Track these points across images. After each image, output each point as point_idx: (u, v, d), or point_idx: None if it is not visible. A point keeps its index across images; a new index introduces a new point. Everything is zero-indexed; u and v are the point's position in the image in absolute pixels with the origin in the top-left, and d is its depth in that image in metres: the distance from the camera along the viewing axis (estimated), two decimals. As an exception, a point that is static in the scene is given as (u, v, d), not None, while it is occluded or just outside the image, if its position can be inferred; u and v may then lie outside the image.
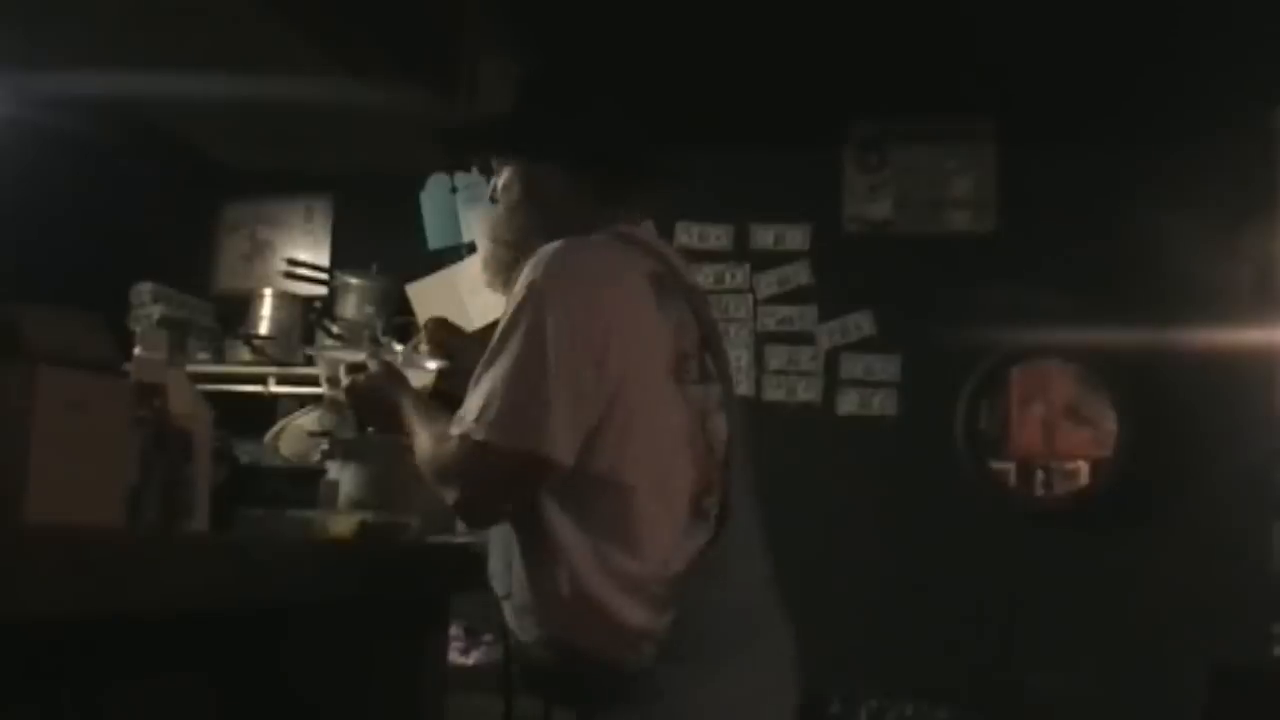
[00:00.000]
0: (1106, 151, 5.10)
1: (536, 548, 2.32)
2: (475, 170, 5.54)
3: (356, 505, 2.90)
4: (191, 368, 4.94)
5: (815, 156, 5.38)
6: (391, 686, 2.88)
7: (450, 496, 2.31)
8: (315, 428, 4.01)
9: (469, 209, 5.60)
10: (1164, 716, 4.66)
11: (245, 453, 2.87)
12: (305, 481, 2.84)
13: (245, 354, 5.46)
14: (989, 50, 5.05)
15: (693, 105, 5.21)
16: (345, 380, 2.68)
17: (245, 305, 5.62)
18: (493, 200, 2.66)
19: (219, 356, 5.51)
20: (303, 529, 2.51)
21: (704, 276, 5.19)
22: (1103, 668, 4.84)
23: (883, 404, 5.26)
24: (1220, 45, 4.86)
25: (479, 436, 2.22)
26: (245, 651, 2.38)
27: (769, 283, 5.36)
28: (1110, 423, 5.02)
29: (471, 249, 5.58)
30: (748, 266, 5.38)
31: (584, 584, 2.26)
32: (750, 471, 2.47)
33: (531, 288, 2.26)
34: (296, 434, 4.03)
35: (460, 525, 3.11)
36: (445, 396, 2.70)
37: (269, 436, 3.86)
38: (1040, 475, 5.12)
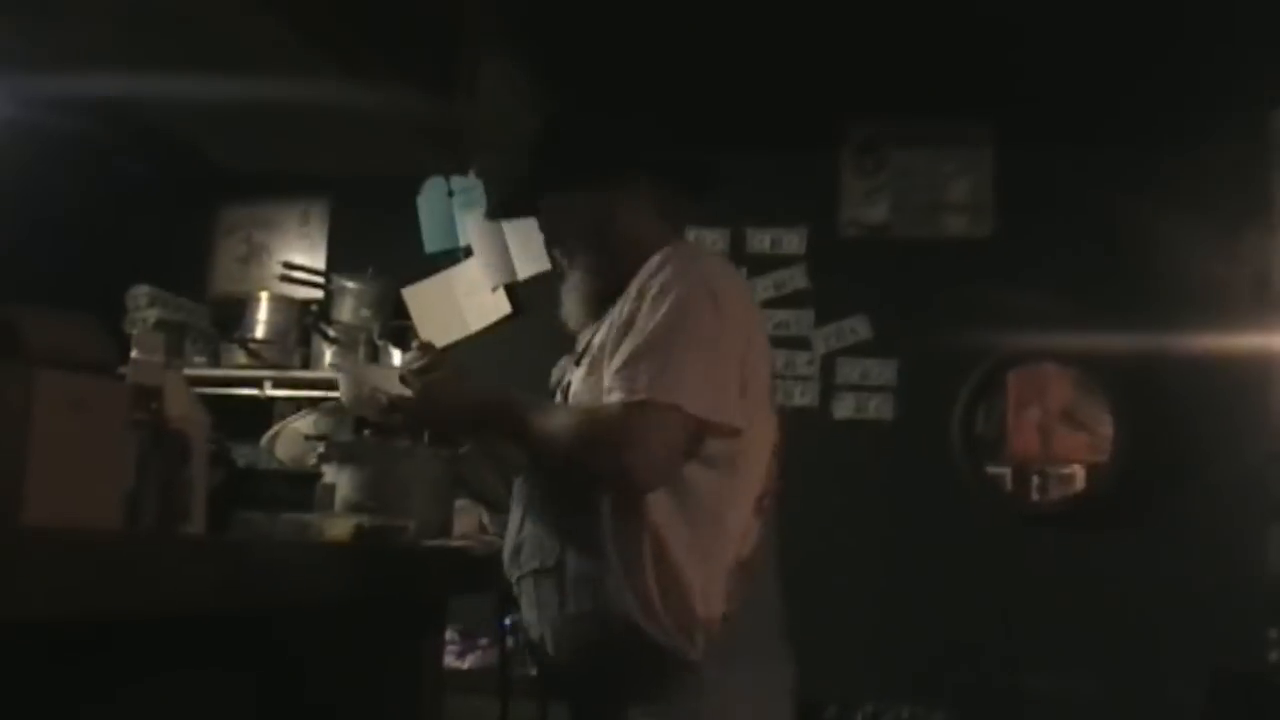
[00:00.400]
0: (1103, 155, 5.11)
1: (626, 518, 2.35)
2: (472, 173, 5.55)
3: (353, 508, 2.90)
4: (188, 371, 4.95)
5: (812, 160, 5.39)
6: (388, 689, 2.88)
7: (619, 460, 2.30)
8: (312, 431, 4.02)
9: (465, 212, 5.60)
10: (1162, 719, 4.66)
11: (242, 456, 2.87)
12: (302, 484, 2.84)
13: (241, 357, 5.46)
14: (986, 53, 5.04)
15: (687, 109, 5.21)
16: (416, 381, 2.64)
17: (241, 309, 5.62)
18: (556, 270, 2.72)
19: (215, 360, 5.51)
20: (299, 532, 2.51)
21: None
22: (1099, 671, 4.84)
23: (879, 408, 5.26)
24: (1218, 48, 4.85)
25: (664, 399, 2.27)
26: (241, 654, 2.38)
27: (765, 287, 5.36)
28: (1106, 426, 5.03)
29: (468, 252, 5.58)
30: (744, 270, 5.38)
31: (670, 560, 2.32)
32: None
33: (695, 273, 2.38)
34: (293, 437, 4.03)
35: (457, 528, 3.11)
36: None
37: (265, 440, 3.86)
38: (1036, 479, 5.12)
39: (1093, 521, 5.01)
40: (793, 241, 5.41)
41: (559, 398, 2.59)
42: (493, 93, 4.62)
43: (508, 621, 3.96)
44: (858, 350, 5.30)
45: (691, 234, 5.35)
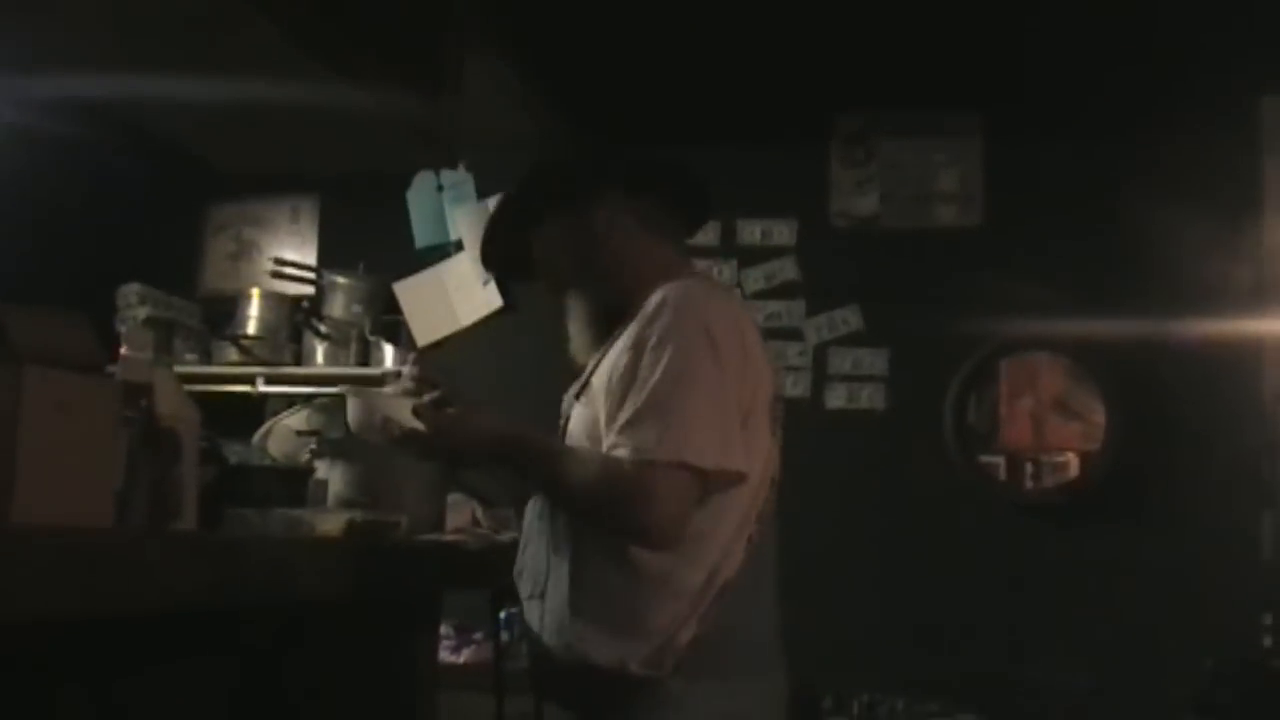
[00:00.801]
0: (1093, 144, 5.11)
1: (601, 550, 2.40)
2: (462, 168, 5.54)
3: (345, 504, 2.90)
4: (179, 368, 4.93)
5: (801, 151, 5.38)
6: (382, 685, 2.88)
7: (636, 520, 2.33)
8: (304, 427, 4.01)
9: (455, 207, 5.59)
10: (1155, 707, 4.67)
11: (233, 453, 2.87)
12: (294, 481, 2.84)
13: (233, 354, 5.46)
14: (975, 43, 5.05)
15: (677, 101, 5.21)
16: (429, 414, 2.64)
17: (232, 306, 5.62)
18: (556, 295, 2.72)
19: (206, 357, 5.50)
20: (291, 528, 2.51)
21: (691, 273, 5.19)
22: (1093, 659, 4.84)
23: (871, 398, 5.26)
24: (1208, 38, 4.86)
25: (671, 457, 2.28)
26: (232, 651, 2.38)
27: (756, 278, 5.36)
28: (1099, 415, 5.03)
29: (458, 247, 5.57)
30: (735, 262, 5.38)
31: (642, 589, 2.35)
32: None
33: (692, 319, 2.37)
34: (285, 433, 4.03)
35: (450, 523, 3.11)
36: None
37: (257, 436, 3.86)
38: (1029, 468, 5.12)
39: (1086, 510, 5.01)
40: (783, 233, 5.40)
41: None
42: (480, 89, 4.62)
43: (502, 616, 3.97)
44: (849, 340, 5.30)
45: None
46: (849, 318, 5.30)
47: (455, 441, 2.58)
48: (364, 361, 5.48)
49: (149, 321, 5.21)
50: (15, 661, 1.78)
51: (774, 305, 5.33)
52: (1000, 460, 5.15)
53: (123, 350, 2.15)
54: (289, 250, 5.86)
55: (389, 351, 5.45)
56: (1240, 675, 4.47)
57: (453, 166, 5.58)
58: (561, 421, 2.63)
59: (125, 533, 1.88)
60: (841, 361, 5.30)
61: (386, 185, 5.61)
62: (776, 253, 5.39)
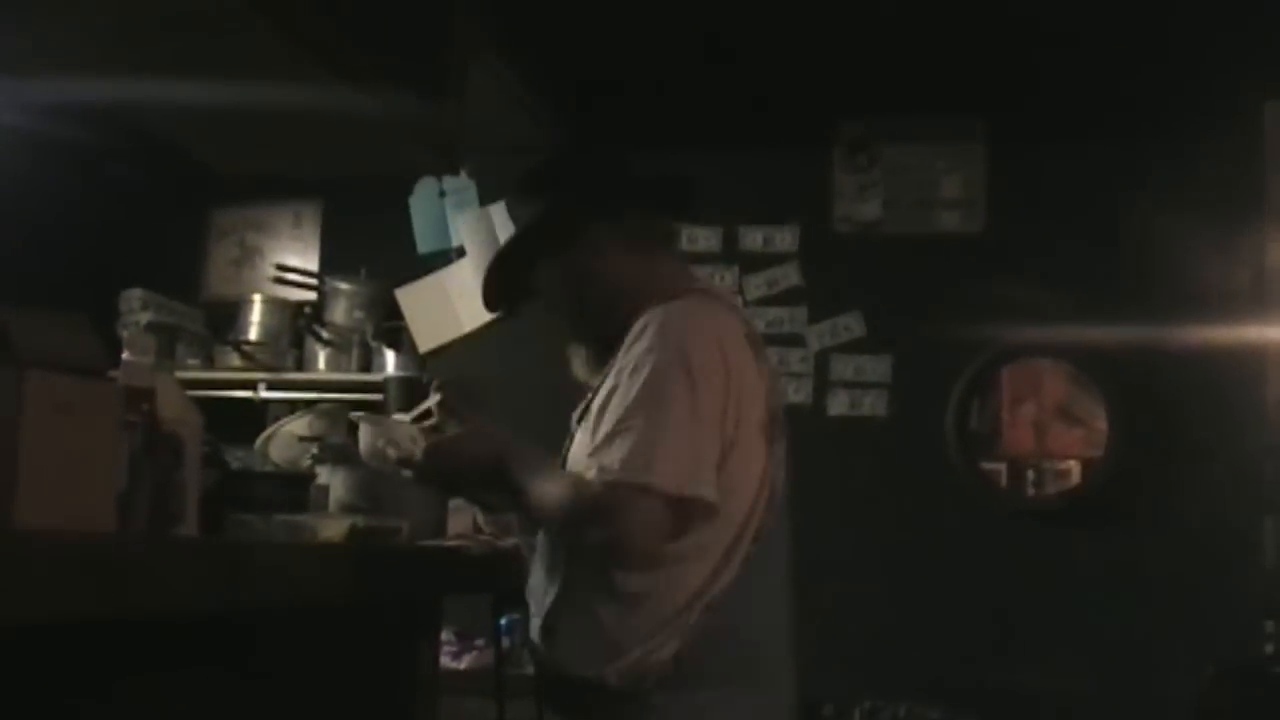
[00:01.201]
0: (1096, 150, 5.11)
1: (587, 572, 2.44)
2: (464, 174, 5.54)
3: (347, 509, 2.90)
4: (181, 374, 4.93)
5: (804, 157, 5.38)
6: (383, 691, 2.87)
7: (598, 538, 2.39)
8: (306, 432, 4.01)
9: (458, 213, 5.60)
10: (1157, 714, 4.66)
11: (236, 458, 2.87)
12: (295, 486, 2.84)
13: (235, 360, 5.46)
14: (977, 50, 5.05)
15: (680, 107, 5.21)
16: (423, 440, 2.67)
17: (235, 311, 5.61)
18: (555, 314, 2.75)
19: (208, 363, 5.50)
20: (293, 533, 2.51)
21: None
22: (1095, 666, 4.84)
23: (873, 405, 5.26)
24: (1211, 43, 4.86)
25: (637, 480, 2.30)
26: (235, 656, 2.38)
27: (758, 284, 5.36)
28: (1101, 422, 5.02)
29: (461, 253, 5.57)
30: (737, 268, 5.38)
31: (623, 609, 2.39)
32: (790, 518, 2.59)
33: (673, 344, 2.39)
34: (287, 439, 4.03)
35: (451, 529, 3.12)
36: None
37: (259, 442, 3.86)
38: (1031, 475, 5.12)
39: (1088, 517, 5.01)
40: (785, 239, 5.40)
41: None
42: (483, 94, 4.62)
43: (503, 622, 3.97)
44: (851, 347, 5.30)
45: (684, 233, 5.35)
46: (851, 324, 5.30)
47: (446, 468, 2.63)
48: (366, 367, 5.48)
49: (151, 327, 5.21)
50: (16, 666, 1.78)
51: (776, 312, 5.33)
52: (1002, 467, 5.14)
53: (125, 355, 2.14)
54: (291, 256, 5.86)
55: (391, 357, 5.45)
56: (1241, 681, 4.47)
57: (455, 172, 5.58)
58: (566, 441, 2.65)
59: (127, 537, 1.88)
60: (844, 368, 5.29)
61: (389, 191, 5.61)
62: (778, 259, 5.39)
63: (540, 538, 2.62)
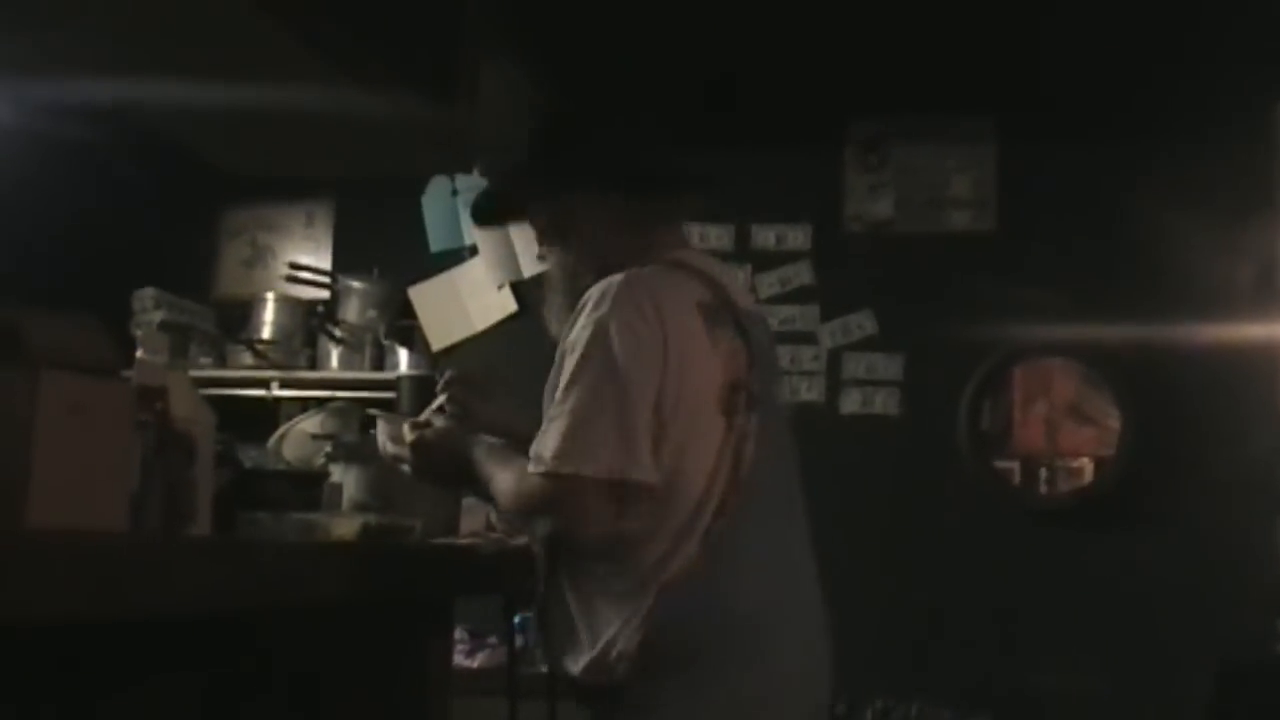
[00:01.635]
0: (1106, 149, 5.10)
1: (559, 562, 2.44)
2: (476, 173, 5.54)
3: (359, 508, 2.90)
4: (194, 373, 4.95)
5: (815, 156, 5.38)
6: (396, 689, 2.88)
7: (543, 529, 2.41)
8: (318, 431, 4.02)
9: (470, 211, 5.60)
10: (1169, 713, 4.66)
11: (248, 457, 2.87)
12: (308, 485, 2.84)
13: (247, 359, 5.47)
14: (988, 49, 5.05)
15: (692, 106, 5.21)
16: (410, 435, 2.68)
17: (247, 310, 5.62)
18: (541, 259, 2.75)
19: (221, 362, 5.51)
20: (306, 532, 2.51)
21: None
22: (1107, 665, 4.83)
23: (885, 403, 5.26)
24: (1220, 42, 4.85)
25: (567, 469, 2.27)
26: (248, 655, 2.38)
27: (770, 283, 5.36)
28: (1113, 420, 5.02)
29: (473, 251, 5.58)
30: (749, 267, 5.38)
31: (587, 597, 2.37)
32: (788, 492, 2.54)
33: (599, 322, 2.33)
34: (299, 438, 4.04)
35: (464, 527, 3.13)
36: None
37: (273, 440, 3.87)
38: (1044, 473, 5.12)
39: (1100, 515, 5.01)
40: (797, 238, 5.40)
41: None
42: (494, 93, 4.62)
43: (516, 621, 3.97)
44: (864, 345, 5.30)
45: (696, 230, 5.35)
46: (863, 323, 5.30)
47: (428, 465, 2.66)
48: (379, 366, 5.49)
49: (164, 326, 5.22)
50: (29, 666, 1.79)
51: (788, 310, 5.33)
52: (1014, 465, 5.14)
53: (138, 354, 2.15)
54: (304, 255, 5.87)
55: (403, 356, 5.46)
56: (1254, 680, 4.46)
57: (467, 171, 5.58)
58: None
59: (140, 536, 1.88)
60: (856, 366, 5.29)
61: (401, 190, 5.62)
62: (791, 257, 5.39)
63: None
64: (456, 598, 3.24)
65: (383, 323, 5.51)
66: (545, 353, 2.67)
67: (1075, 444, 5.09)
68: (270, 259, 5.97)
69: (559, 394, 2.33)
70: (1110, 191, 5.10)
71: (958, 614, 4.99)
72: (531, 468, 2.32)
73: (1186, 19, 4.85)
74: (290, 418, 4.92)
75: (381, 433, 2.80)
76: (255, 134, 5.20)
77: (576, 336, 2.35)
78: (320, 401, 5.13)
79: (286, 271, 5.70)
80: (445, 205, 5.68)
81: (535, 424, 2.42)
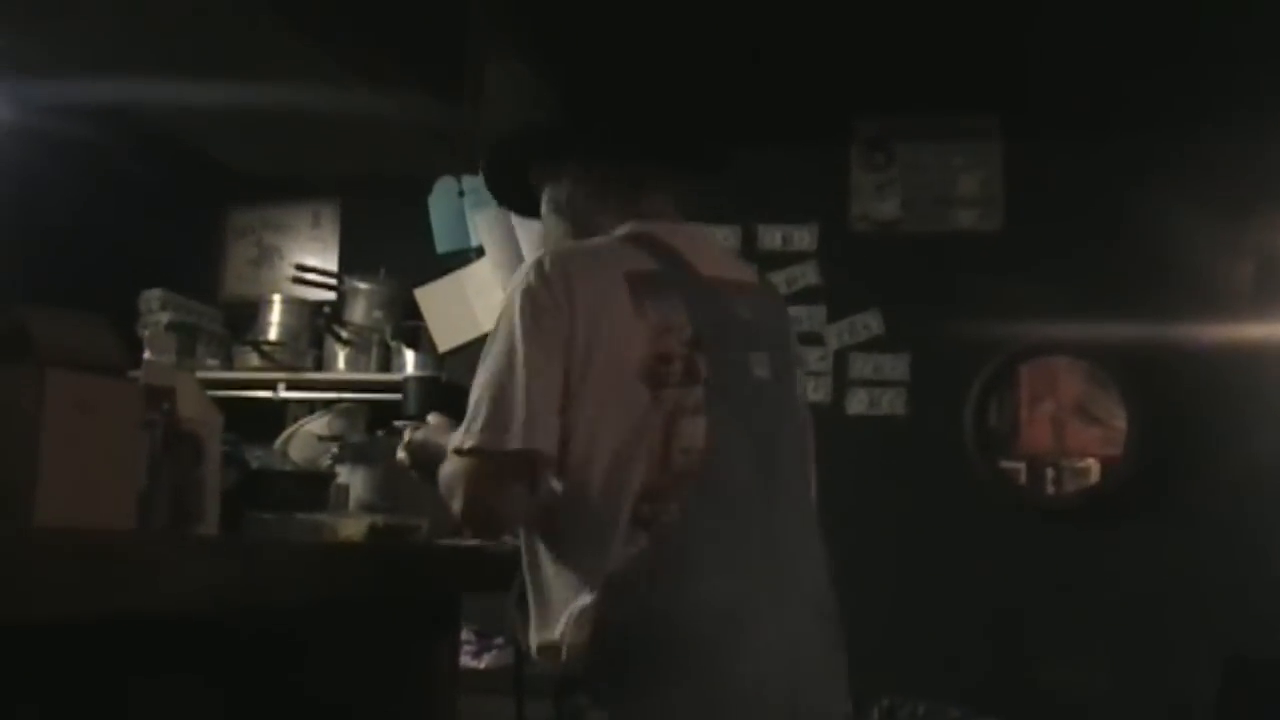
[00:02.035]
0: (1113, 148, 5.09)
1: (523, 550, 2.40)
2: (479, 171, 5.54)
3: (366, 508, 2.91)
4: (200, 374, 4.95)
5: (821, 156, 5.38)
6: (403, 689, 2.88)
7: (454, 510, 2.34)
8: (325, 432, 4.03)
9: (476, 212, 5.59)
10: (1176, 711, 4.66)
11: (255, 457, 2.87)
12: (315, 485, 2.85)
13: (254, 360, 5.46)
14: (994, 47, 5.04)
15: (698, 105, 5.21)
16: (406, 436, 2.71)
17: (254, 311, 5.63)
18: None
19: (228, 362, 5.51)
20: (313, 532, 2.51)
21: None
22: (1115, 663, 4.83)
23: (892, 403, 5.26)
24: (1225, 41, 4.85)
25: (469, 444, 2.25)
26: (255, 655, 2.38)
27: (777, 283, 5.34)
28: (1120, 419, 5.02)
29: (480, 252, 5.58)
30: (755, 267, 5.36)
31: (541, 585, 2.33)
32: (765, 479, 2.38)
33: (508, 299, 2.31)
34: (306, 439, 4.04)
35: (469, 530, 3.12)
36: None
37: (279, 441, 3.87)
38: (1051, 473, 5.11)
39: (1107, 514, 5.01)
40: (804, 238, 5.40)
41: None
42: (501, 93, 4.62)
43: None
44: (870, 345, 5.30)
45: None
46: (870, 322, 5.30)
47: (422, 462, 2.66)
48: (385, 367, 5.48)
49: (171, 326, 5.22)
50: (35, 664, 1.79)
51: (795, 310, 5.30)
52: (1021, 465, 5.14)
53: (145, 354, 2.16)
54: (310, 256, 5.88)
55: (410, 357, 5.45)
56: (1260, 678, 4.46)
57: (474, 172, 5.58)
58: None
59: (147, 536, 1.88)
60: (862, 366, 5.29)
61: (408, 190, 5.62)
62: (797, 258, 5.39)
63: None
64: (463, 598, 3.24)
65: (389, 324, 5.51)
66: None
67: (1082, 443, 5.09)
68: (277, 260, 5.98)
69: (477, 371, 2.32)
70: (1116, 190, 5.09)
71: (964, 613, 4.99)
72: (449, 446, 2.32)
73: (1191, 18, 4.85)
74: (297, 418, 4.93)
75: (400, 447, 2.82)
76: (262, 134, 5.21)
77: (496, 316, 2.34)
78: (327, 402, 5.14)
79: (293, 272, 5.70)
80: (452, 206, 5.67)
81: None
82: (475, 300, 5.54)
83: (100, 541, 1.61)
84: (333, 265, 5.84)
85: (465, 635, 4.54)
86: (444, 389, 3.93)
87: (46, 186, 4.87)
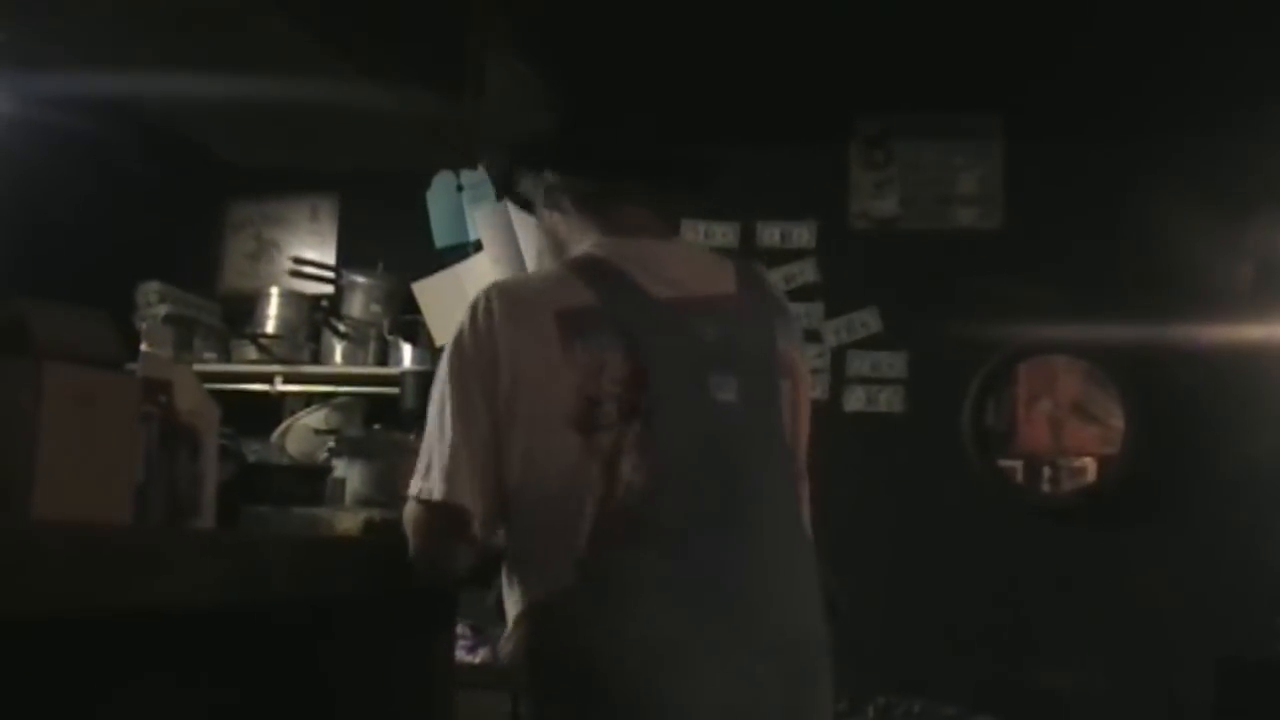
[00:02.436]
0: (1113, 147, 5.09)
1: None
2: (481, 168, 5.54)
3: (363, 502, 2.90)
4: (198, 367, 4.95)
5: (821, 153, 5.37)
6: (398, 684, 2.88)
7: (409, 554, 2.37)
8: (322, 426, 4.03)
9: (475, 207, 5.60)
10: (1171, 711, 4.66)
11: (252, 451, 2.87)
12: (312, 479, 2.85)
13: (251, 353, 5.47)
14: (995, 45, 5.04)
15: (697, 103, 5.21)
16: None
17: (252, 304, 5.63)
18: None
19: (225, 356, 5.51)
20: (309, 526, 2.51)
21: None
22: (1110, 663, 4.83)
23: (889, 401, 5.25)
24: (1226, 40, 4.85)
25: (411, 493, 2.30)
26: (251, 649, 2.38)
27: (775, 280, 5.34)
28: (1118, 419, 5.01)
29: (478, 247, 5.58)
30: (753, 268, 5.36)
31: (519, 605, 2.33)
32: (724, 507, 2.30)
33: (449, 342, 2.35)
34: (303, 432, 4.05)
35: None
36: None
37: (276, 435, 3.87)
38: (1048, 472, 5.11)
39: (1104, 513, 5.01)
40: (802, 235, 5.40)
41: None
42: (501, 88, 4.62)
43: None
44: (868, 343, 5.29)
45: (701, 228, 5.36)
46: (868, 320, 5.29)
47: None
48: (382, 361, 5.48)
49: (168, 319, 5.22)
50: (32, 659, 1.79)
51: (793, 307, 5.29)
52: (1018, 464, 5.13)
53: (143, 347, 2.16)
54: (308, 249, 5.87)
55: (407, 351, 5.45)
56: (1257, 677, 4.46)
57: (473, 167, 5.58)
58: None
59: (144, 529, 1.88)
60: (860, 364, 5.29)
61: (406, 185, 5.62)
62: (796, 255, 5.39)
63: None
64: (459, 593, 3.24)
65: (387, 318, 5.50)
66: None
67: (1079, 442, 5.09)
68: (275, 253, 5.98)
69: None
70: (1116, 190, 5.09)
71: (960, 612, 4.99)
72: None
73: (1191, 16, 4.85)
74: (294, 412, 4.94)
75: None
76: (261, 127, 5.19)
77: None
78: (324, 396, 5.15)
79: (291, 266, 5.70)
80: (450, 200, 5.68)
81: None
82: (473, 294, 5.53)
83: (97, 535, 1.60)
84: (331, 259, 5.83)
85: (461, 630, 4.54)
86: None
87: (44, 179, 4.86)
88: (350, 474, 3.01)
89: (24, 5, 3.77)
